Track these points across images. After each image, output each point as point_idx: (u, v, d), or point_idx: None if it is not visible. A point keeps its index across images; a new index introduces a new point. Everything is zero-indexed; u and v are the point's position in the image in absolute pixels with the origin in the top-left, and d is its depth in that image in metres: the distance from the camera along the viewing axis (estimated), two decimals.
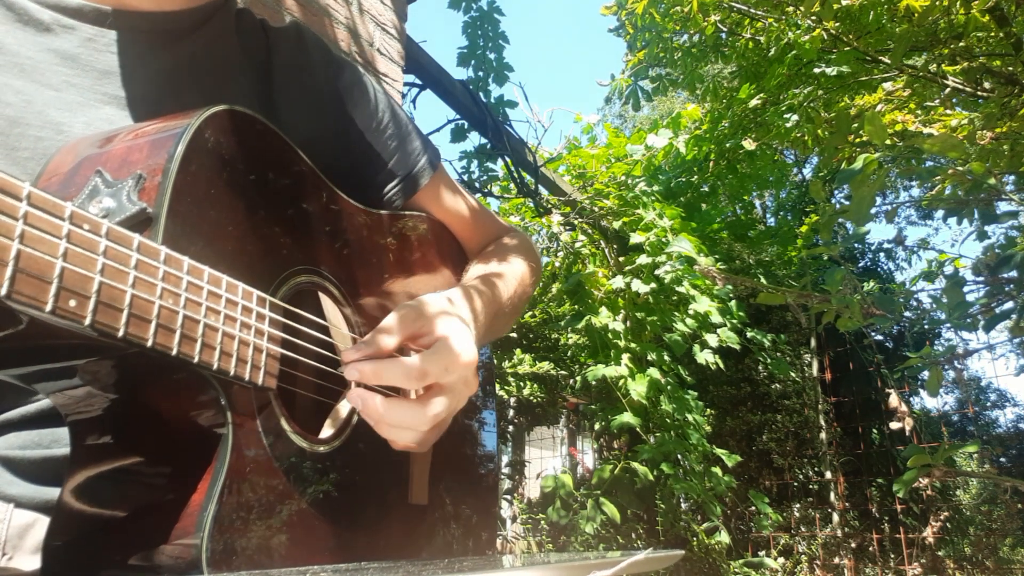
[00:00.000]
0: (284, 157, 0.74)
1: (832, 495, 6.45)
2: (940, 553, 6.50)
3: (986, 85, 4.16)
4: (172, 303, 0.54)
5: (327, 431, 0.75)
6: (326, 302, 0.77)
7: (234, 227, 0.65)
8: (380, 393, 0.71)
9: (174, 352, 0.54)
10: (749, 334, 5.34)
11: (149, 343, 0.52)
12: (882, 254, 10.78)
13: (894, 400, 2.44)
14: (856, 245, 9.78)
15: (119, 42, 0.77)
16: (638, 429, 4.04)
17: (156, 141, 0.61)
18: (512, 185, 4.52)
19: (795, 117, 4.71)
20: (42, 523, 0.68)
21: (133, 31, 0.78)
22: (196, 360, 0.55)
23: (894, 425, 2.42)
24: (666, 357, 4.28)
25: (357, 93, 0.95)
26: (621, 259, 4.76)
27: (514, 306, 1.02)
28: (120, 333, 0.49)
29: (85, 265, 0.47)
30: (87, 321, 0.47)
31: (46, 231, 0.45)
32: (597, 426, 4.40)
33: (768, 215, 11.99)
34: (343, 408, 0.77)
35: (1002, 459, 10.03)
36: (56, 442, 0.69)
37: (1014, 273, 2.04)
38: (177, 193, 0.58)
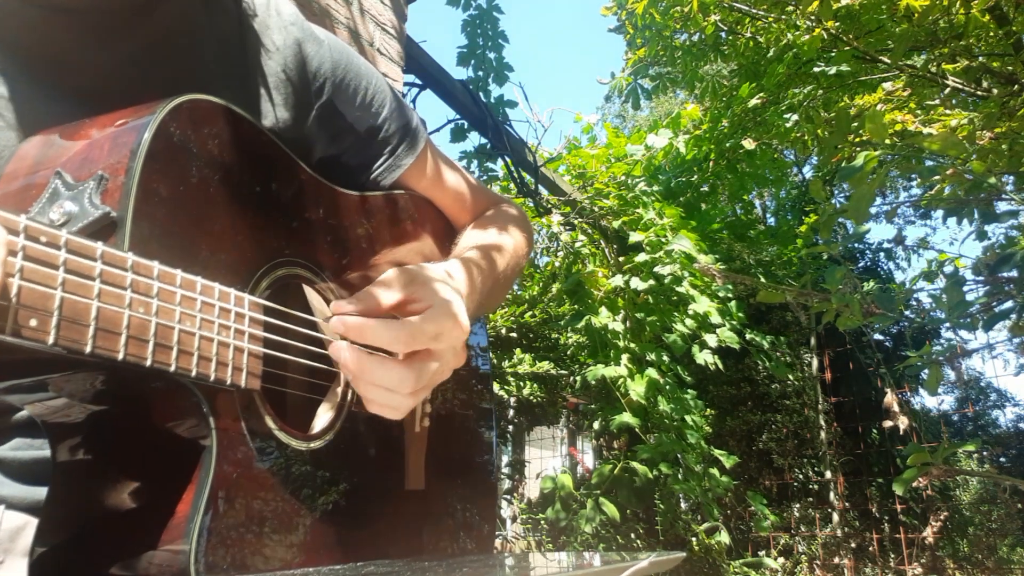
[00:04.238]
0: (257, 147, 0.70)
1: (832, 495, 6.44)
2: (940, 553, 6.49)
3: (985, 85, 4.15)
4: (143, 312, 0.52)
5: (319, 425, 0.73)
6: (310, 293, 0.75)
7: (207, 225, 0.62)
8: (366, 351, 0.69)
9: (148, 363, 0.52)
10: (748, 335, 5.33)
11: (120, 356, 0.50)
12: (882, 254, 10.76)
13: (889, 399, 2.44)
14: (856, 245, 9.76)
15: (74, 26, 0.70)
16: (637, 430, 4.03)
17: (118, 136, 0.58)
18: (512, 185, 4.52)
19: (795, 117, 4.70)
20: (33, 525, 0.67)
21: (88, 13, 0.70)
22: (173, 368, 0.54)
23: (887, 424, 2.43)
24: (665, 357, 4.28)
25: (339, 72, 0.90)
26: (621, 259, 4.75)
27: (508, 279, 1.00)
28: (88, 349, 0.48)
29: (44, 281, 0.45)
30: (50, 340, 0.45)
31: None
32: (597, 426, 4.40)
33: (768, 215, 11.97)
34: (334, 402, 0.76)
35: (1002, 459, 10.02)
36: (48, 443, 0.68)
37: (1014, 272, 2.04)
38: (142, 193, 0.55)
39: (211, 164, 0.63)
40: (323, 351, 0.73)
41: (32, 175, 0.59)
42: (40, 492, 0.68)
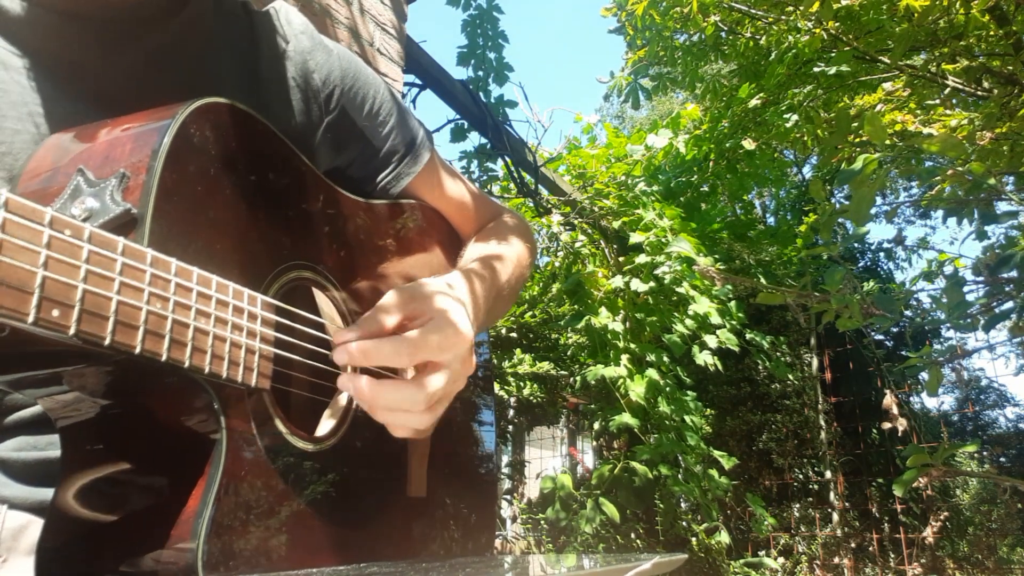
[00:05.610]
0: (273, 150, 0.71)
1: (832, 495, 6.45)
2: (940, 553, 6.50)
3: (985, 85, 4.15)
4: (160, 307, 0.53)
5: (324, 428, 0.74)
6: (320, 297, 0.76)
7: (223, 225, 0.63)
8: (373, 376, 0.69)
9: (163, 358, 0.52)
10: (748, 335, 5.33)
11: (137, 350, 0.50)
12: (882, 254, 10.77)
13: (888, 400, 2.44)
14: (856, 245, 9.77)
15: (90, 32, 0.71)
16: (636, 430, 4.04)
17: (140, 137, 0.59)
18: (512, 185, 4.53)
19: (795, 117, 4.70)
20: (36, 525, 0.67)
21: (103, 20, 0.72)
22: (187, 365, 0.54)
23: (886, 426, 2.43)
24: (665, 358, 4.28)
25: (348, 81, 0.91)
26: (621, 259, 4.76)
27: (512, 289, 1.01)
28: (107, 341, 0.48)
29: (67, 273, 0.46)
30: (71, 331, 0.46)
31: (25, 239, 0.44)
32: (597, 426, 4.40)
33: (768, 215, 11.97)
34: (340, 404, 0.76)
35: (1002, 459, 10.02)
36: (51, 444, 0.69)
37: (1014, 273, 2.04)
38: (163, 192, 0.56)
39: (229, 166, 0.64)
40: (331, 355, 0.74)
41: (53, 172, 0.60)
42: (43, 493, 0.68)
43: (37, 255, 0.44)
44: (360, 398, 0.69)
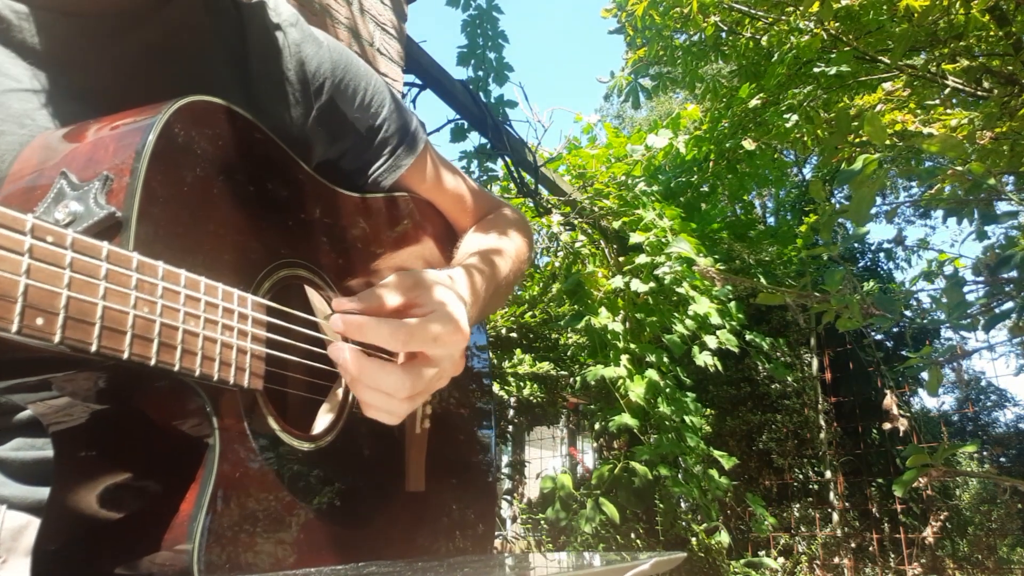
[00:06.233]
0: (261, 148, 0.70)
1: (832, 495, 6.45)
2: (940, 553, 6.50)
3: (985, 85, 4.15)
4: (148, 312, 0.52)
5: (321, 425, 0.73)
6: (312, 295, 0.75)
7: (210, 225, 0.62)
8: (364, 353, 0.69)
9: (152, 362, 0.52)
10: (748, 336, 5.33)
11: (125, 355, 0.50)
12: (882, 254, 10.77)
13: (888, 401, 2.44)
14: (856, 245, 9.77)
15: (78, 27, 0.71)
16: (636, 431, 4.04)
17: (122, 137, 0.58)
18: (512, 185, 4.52)
19: (795, 117, 4.70)
20: (36, 525, 0.67)
21: (92, 16, 0.71)
22: (177, 368, 0.54)
23: (886, 426, 2.43)
24: (665, 358, 4.28)
25: (338, 73, 0.90)
26: (621, 259, 4.76)
27: (509, 284, 1.00)
28: (93, 348, 0.48)
29: (51, 280, 0.46)
30: (56, 339, 0.45)
31: (7, 248, 0.43)
32: (597, 426, 4.40)
33: (768, 215, 11.97)
34: (337, 401, 0.76)
35: (1002, 459, 10.02)
36: (49, 443, 0.68)
37: (1014, 273, 2.03)
38: (147, 194, 0.55)
39: (215, 165, 0.63)
40: (324, 352, 0.73)
41: (37, 175, 0.59)
42: (41, 492, 0.68)
43: (19, 263, 0.44)
44: (345, 369, 0.68)
